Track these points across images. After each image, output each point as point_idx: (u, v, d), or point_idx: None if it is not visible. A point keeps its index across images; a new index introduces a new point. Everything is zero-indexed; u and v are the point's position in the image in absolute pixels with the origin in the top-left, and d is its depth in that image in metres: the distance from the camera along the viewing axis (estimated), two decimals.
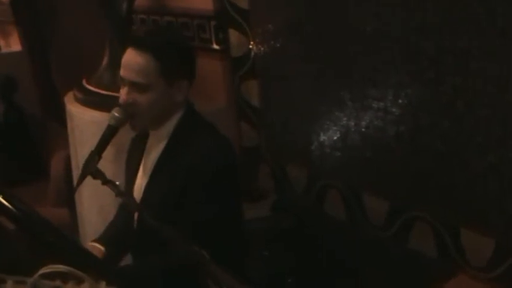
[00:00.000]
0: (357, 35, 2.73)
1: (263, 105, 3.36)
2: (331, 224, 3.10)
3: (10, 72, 5.41)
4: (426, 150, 2.60)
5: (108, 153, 2.15)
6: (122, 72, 2.13)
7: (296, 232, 3.09)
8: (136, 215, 2.22)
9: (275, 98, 3.29)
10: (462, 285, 2.58)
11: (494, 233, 2.42)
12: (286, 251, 3.05)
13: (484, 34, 2.26)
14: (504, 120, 2.28)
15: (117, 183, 1.90)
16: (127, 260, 2.44)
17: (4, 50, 6.47)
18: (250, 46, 3.26)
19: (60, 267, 1.36)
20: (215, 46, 3.44)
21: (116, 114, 2.09)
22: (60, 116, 4.90)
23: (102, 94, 3.52)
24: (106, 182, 1.89)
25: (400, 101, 2.63)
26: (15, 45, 6.33)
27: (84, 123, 3.55)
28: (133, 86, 2.09)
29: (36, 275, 1.36)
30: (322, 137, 3.02)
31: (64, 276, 1.43)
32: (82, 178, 1.97)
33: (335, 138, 2.97)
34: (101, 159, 2.01)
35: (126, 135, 2.27)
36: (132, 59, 2.10)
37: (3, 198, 2.24)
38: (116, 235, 2.41)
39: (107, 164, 2.05)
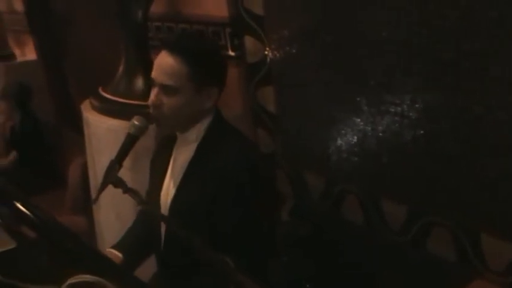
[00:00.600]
0: (373, 40, 2.73)
1: (279, 111, 3.36)
2: (349, 230, 3.10)
3: (25, 81, 5.44)
4: (444, 155, 2.60)
5: (126, 160, 2.16)
6: (153, 73, 2.14)
7: (314, 238, 3.09)
8: (164, 225, 2.23)
9: (291, 104, 3.28)
10: None
11: None
12: (304, 257, 3.05)
13: (500, 38, 2.25)
14: None
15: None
16: (147, 267, 2.45)
17: (19, 59, 6.51)
18: (266, 52, 3.26)
19: (87, 277, 1.37)
20: (230, 53, 3.44)
21: (136, 122, 2.10)
22: (75, 124, 4.93)
23: (119, 102, 3.54)
24: (127, 190, 1.90)
25: (416, 105, 2.63)
26: (30, 54, 6.37)
27: (101, 131, 3.56)
28: (163, 88, 2.10)
29: (64, 286, 1.37)
30: (339, 143, 3.02)
31: (89, 286, 1.44)
32: (103, 187, 1.98)
33: (352, 143, 2.97)
34: (121, 167, 2.02)
35: (143, 143, 2.28)
36: (164, 61, 2.11)
37: (23, 206, 2.27)
38: (134, 242, 2.42)
39: (125, 172, 2.05)
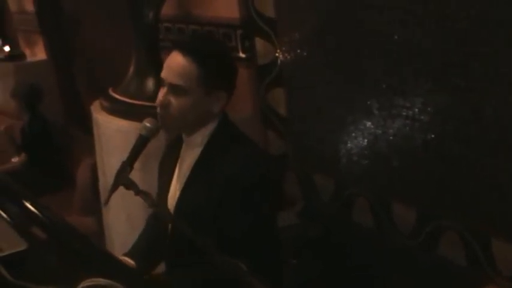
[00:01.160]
0: (384, 43, 2.73)
1: (289, 113, 3.36)
2: (358, 232, 3.09)
3: (35, 81, 5.45)
4: (454, 158, 2.59)
5: (136, 161, 2.16)
6: (163, 73, 2.13)
7: (324, 240, 3.09)
8: (170, 225, 2.22)
9: (301, 106, 3.28)
10: None
11: None
12: (314, 259, 3.04)
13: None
14: None
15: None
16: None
17: (29, 59, 6.54)
18: (277, 54, 3.26)
19: (100, 281, 1.36)
20: (241, 54, 3.45)
21: (148, 124, 2.09)
22: (84, 124, 4.94)
23: (129, 103, 3.54)
24: (139, 192, 1.89)
25: (428, 108, 2.62)
26: (40, 54, 6.39)
27: (111, 131, 3.57)
28: (172, 88, 2.10)
29: None
30: (349, 145, 3.02)
31: None
32: (114, 189, 1.97)
33: (362, 146, 2.96)
34: (132, 169, 2.01)
35: (153, 144, 2.28)
36: (174, 61, 2.10)
37: (33, 207, 2.28)
38: (146, 249, 2.40)
39: (135, 173, 2.05)
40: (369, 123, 2.90)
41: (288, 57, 3.22)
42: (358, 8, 2.83)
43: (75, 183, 4.75)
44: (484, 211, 2.53)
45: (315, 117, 3.21)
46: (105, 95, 3.71)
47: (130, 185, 1.92)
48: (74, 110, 5.92)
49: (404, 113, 2.72)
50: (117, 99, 3.61)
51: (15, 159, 5.34)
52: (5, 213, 2.28)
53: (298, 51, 3.16)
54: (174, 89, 2.09)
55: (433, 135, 2.64)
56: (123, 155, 2.11)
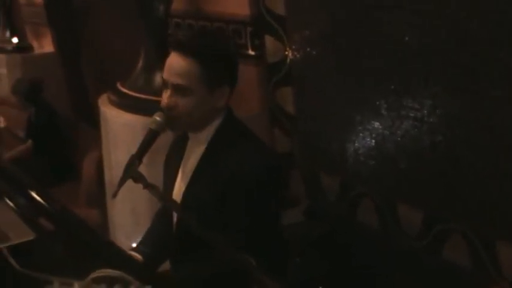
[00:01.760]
0: (394, 44, 2.72)
1: (297, 112, 3.36)
2: (364, 233, 3.09)
3: (38, 75, 5.47)
4: (462, 161, 2.59)
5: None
6: (165, 74, 2.13)
7: (328, 239, 3.09)
8: (175, 219, 2.22)
9: (309, 105, 3.28)
10: None
11: None
12: (318, 258, 3.04)
13: None
14: None
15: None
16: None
17: (37, 51, 6.55)
18: (286, 52, 3.26)
19: (110, 272, 1.36)
20: (251, 52, 3.45)
21: (158, 118, 2.09)
22: (90, 117, 4.95)
23: (137, 97, 3.55)
24: (147, 185, 1.89)
25: (436, 111, 2.62)
26: (48, 46, 6.40)
27: (118, 125, 3.57)
28: (175, 88, 2.09)
29: (87, 279, 1.37)
30: (357, 145, 3.02)
31: (110, 281, 1.44)
32: (122, 182, 1.97)
33: (369, 146, 2.96)
34: (141, 163, 2.01)
35: (161, 139, 2.28)
36: (175, 62, 2.10)
37: (40, 197, 2.28)
38: (153, 244, 2.40)
39: (142, 167, 2.05)
40: (377, 124, 2.89)
41: (297, 55, 3.22)
42: (368, 9, 2.82)
43: (80, 176, 4.76)
44: (490, 214, 2.53)
45: (323, 117, 3.21)
46: (113, 89, 3.72)
47: (139, 178, 1.92)
48: (80, 103, 5.92)
49: (412, 115, 2.72)
50: (125, 93, 3.62)
51: (19, 147, 5.33)
52: (12, 203, 2.28)
53: (308, 49, 3.16)
54: (177, 89, 2.09)
55: (441, 138, 2.64)
56: (130, 149, 2.11)
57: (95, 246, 2.05)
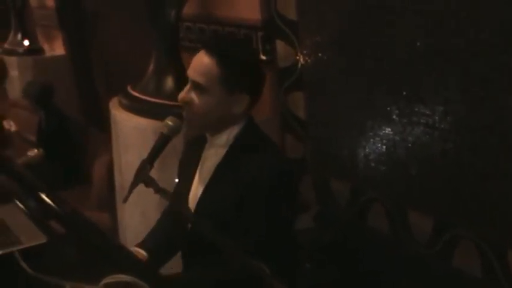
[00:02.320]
0: (406, 50, 2.72)
1: (309, 117, 3.35)
2: (374, 238, 3.08)
3: (49, 77, 5.48)
4: (473, 168, 2.57)
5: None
6: (189, 71, 2.15)
7: (339, 245, 3.08)
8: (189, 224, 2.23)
9: (321, 110, 3.28)
10: None
11: None
12: (328, 263, 3.04)
13: None
14: None
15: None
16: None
17: (48, 54, 6.58)
18: (297, 57, 3.26)
19: (123, 277, 1.36)
20: (262, 56, 3.44)
21: (170, 122, 2.10)
22: (101, 121, 4.96)
23: (147, 101, 3.55)
24: (158, 190, 1.90)
25: (448, 117, 2.61)
26: (58, 49, 6.43)
27: (128, 129, 3.58)
28: (194, 85, 2.11)
29: (100, 285, 1.37)
30: (368, 151, 3.01)
31: (124, 286, 1.44)
32: (134, 186, 1.97)
33: (380, 152, 2.95)
34: (152, 167, 2.01)
35: (172, 143, 2.28)
36: (199, 59, 2.12)
37: (53, 201, 2.29)
38: (158, 242, 2.42)
39: (153, 172, 2.05)
40: (388, 130, 2.89)
41: (309, 60, 3.21)
42: (380, 13, 2.82)
43: (91, 180, 4.77)
44: (501, 222, 2.52)
45: (334, 122, 3.20)
46: (124, 93, 3.73)
47: (150, 183, 1.92)
48: (91, 106, 5.94)
49: (424, 121, 2.71)
50: (135, 97, 3.63)
51: (31, 153, 5.34)
52: (25, 206, 2.30)
53: (319, 55, 3.15)
54: (196, 87, 2.11)
55: (452, 144, 2.63)
56: (140, 153, 2.12)
57: (105, 249, 2.06)
